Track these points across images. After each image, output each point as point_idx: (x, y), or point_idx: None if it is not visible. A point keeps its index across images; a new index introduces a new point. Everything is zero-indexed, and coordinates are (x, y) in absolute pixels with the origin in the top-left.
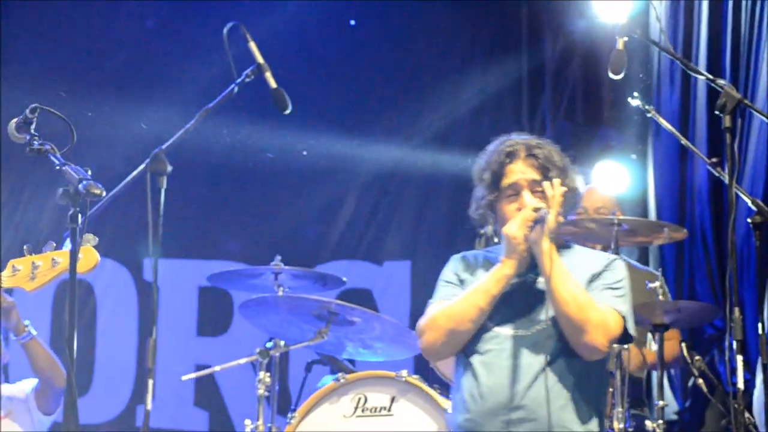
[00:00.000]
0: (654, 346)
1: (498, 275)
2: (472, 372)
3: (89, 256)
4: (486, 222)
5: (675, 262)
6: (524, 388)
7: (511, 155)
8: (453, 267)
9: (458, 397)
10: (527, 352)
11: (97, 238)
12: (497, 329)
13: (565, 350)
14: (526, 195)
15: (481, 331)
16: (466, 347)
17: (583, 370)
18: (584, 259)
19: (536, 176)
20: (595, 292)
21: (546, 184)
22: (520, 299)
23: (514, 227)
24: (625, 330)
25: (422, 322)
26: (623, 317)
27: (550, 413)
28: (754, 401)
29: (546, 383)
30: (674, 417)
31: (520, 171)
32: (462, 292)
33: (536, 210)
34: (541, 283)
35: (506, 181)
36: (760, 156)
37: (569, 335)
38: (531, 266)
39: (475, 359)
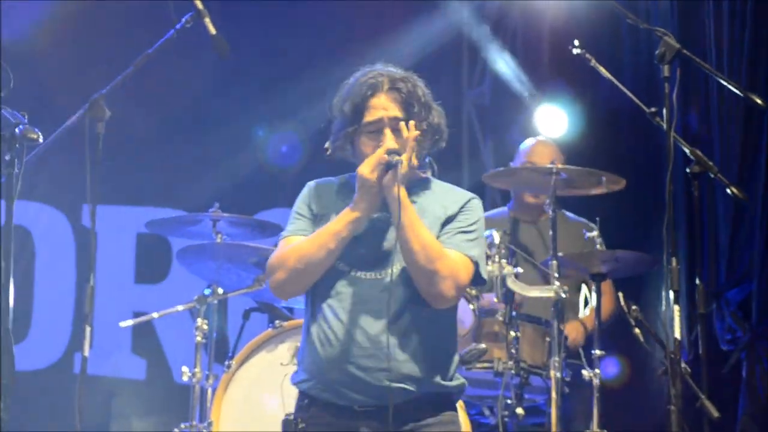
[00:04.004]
0: (587, 312)
1: (349, 217)
2: (321, 315)
3: None
4: (344, 155)
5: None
6: (375, 335)
7: (373, 87)
8: (305, 197)
9: (306, 341)
10: (377, 297)
11: None
12: (346, 270)
13: (415, 297)
14: (388, 134)
15: (330, 271)
16: (314, 287)
17: (433, 317)
18: (440, 198)
19: (398, 113)
20: (448, 236)
21: (402, 125)
22: (372, 241)
23: (367, 169)
24: (477, 273)
25: (273, 259)
26: (474, 262)
27: (401, 361)
28: None
29: (398, 330)
30: None
31: (382, 107)
32: (313, 228)
33: (390, 152)
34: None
35: (368, 117)
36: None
37: (418, 284)
38: (384, 206)
39: (324, 302)
